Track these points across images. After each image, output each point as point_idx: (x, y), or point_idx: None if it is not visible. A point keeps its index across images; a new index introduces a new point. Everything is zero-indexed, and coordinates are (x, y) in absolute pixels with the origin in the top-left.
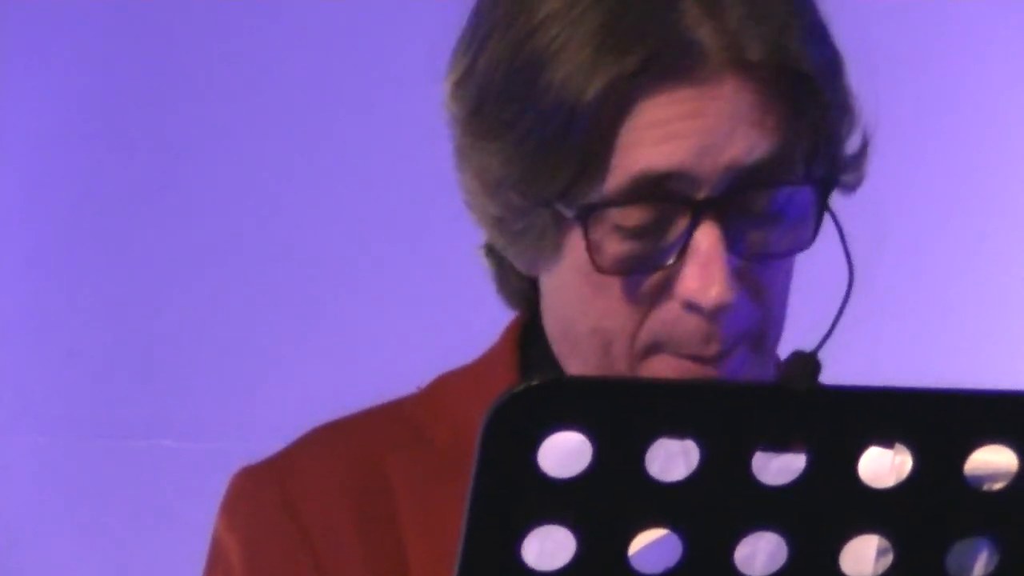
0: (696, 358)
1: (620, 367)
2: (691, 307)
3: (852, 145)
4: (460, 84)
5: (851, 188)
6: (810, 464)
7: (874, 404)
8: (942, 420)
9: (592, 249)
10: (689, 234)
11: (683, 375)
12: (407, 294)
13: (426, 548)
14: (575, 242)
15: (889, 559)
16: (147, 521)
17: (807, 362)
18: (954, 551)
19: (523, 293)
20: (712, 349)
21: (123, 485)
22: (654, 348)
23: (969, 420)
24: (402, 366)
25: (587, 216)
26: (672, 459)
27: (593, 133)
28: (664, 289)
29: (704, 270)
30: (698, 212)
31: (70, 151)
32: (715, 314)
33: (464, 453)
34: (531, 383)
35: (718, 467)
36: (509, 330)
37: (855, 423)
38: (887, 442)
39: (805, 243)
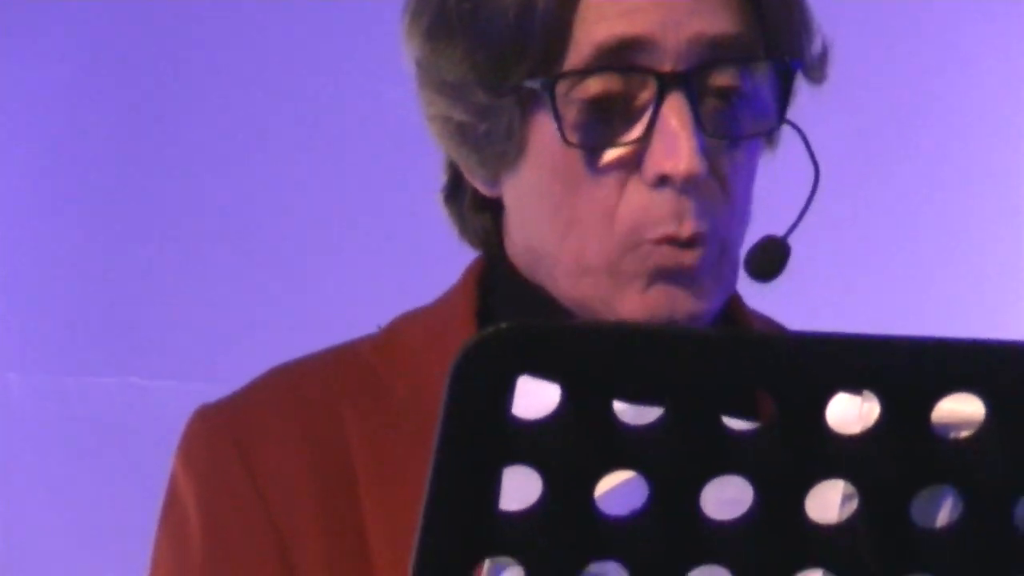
0: (667, 240)
1: (595, 263)
2: (661, 181)
3: (814, 47)
4: (418, 5)
5: (815, 81)
6: (777, 410)
7: (842, 351)
8: (910, 368)
9: (560, 123)
10: (656, 107)
11: (653, 263)
12: (380, 233)
13: (380, 496)
14: (542, 132)
15: (854, 505)
16: (114, 458)
17: (776, 246)
18: (919, 499)
19: (483, 232)
20: (687, 229)
21: (91, 422)
22: (632, 240)
23: (937, 368)
24: (373, 306)
25: (553, 86)
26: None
27: (554, 11)
28: (633, 171)
29: (672, 141)
30: (664, 85)
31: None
32: (685, 187)
33: (421, 403)
34: (500, 327)
35: (685, 412)
36: (468, 273)
37: (823, 369)
38: (855, 389)
39: (769, 126)
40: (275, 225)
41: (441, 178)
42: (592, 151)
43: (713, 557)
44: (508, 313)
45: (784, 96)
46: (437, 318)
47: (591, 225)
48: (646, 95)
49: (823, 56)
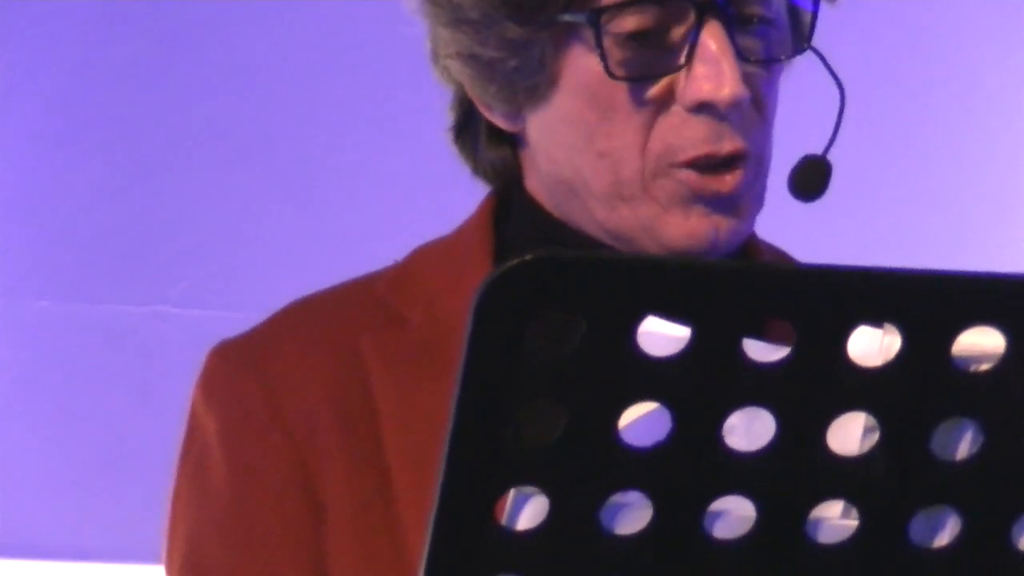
0: (708, 162)
1: (629, 191)
2: (702, 108)
3: None
4: None
5: (831, 1)
6: (799, 342)
7: (864, 284)
8: (931, 301)
9: (604, 55)
10: (696, 35)
11: (692, 188)
12: (401, 165)
13: (403, 430)
14: (577, 64)
15: (875, 438)
16: (145, 386)
17: (819, 165)
18: (939, 431)
19: (500, 166)
20: (727, 147)
21: (123, 349)
22: (665, 163)
23: (958, 302)
24: (392, 238)
25: (598, 19)
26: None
27: None
28: (668, 98)
29: (715, 67)
30: (702, 14)
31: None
32: (728, 112)
33: (438, 334)
34: (523, 258)
35: (708, 345)
36: (483, 207)
37: (845, 303)
38: (876, 322)
39: (797, 49)
40: (301, 159)
41: (449, 117)
42: (633, 81)
43: (735, 488)
44: (526, 246)
45: (811, 20)
46: (452, 251)
47: (625, 151)
48: (682, 27)
49: None
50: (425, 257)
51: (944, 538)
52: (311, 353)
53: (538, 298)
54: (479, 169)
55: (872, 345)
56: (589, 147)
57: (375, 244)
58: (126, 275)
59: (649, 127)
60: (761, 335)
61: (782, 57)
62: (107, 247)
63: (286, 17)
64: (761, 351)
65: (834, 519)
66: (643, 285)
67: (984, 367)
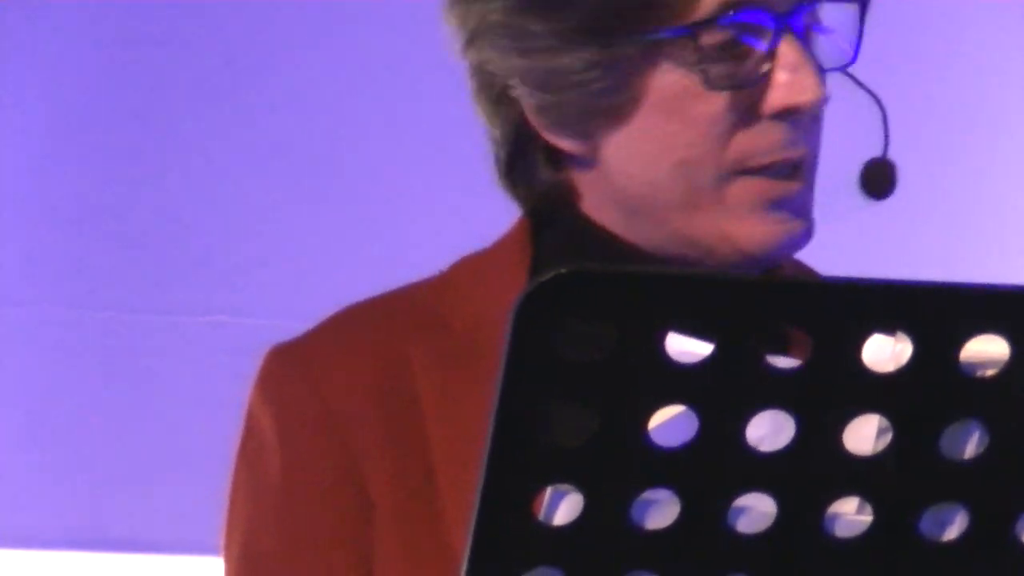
0: (781, 168)
1: (704, 199)
2: (785, 114)
3: None
4: None
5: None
6: (816, 350)
7: (877, 295)
8: (940, 311)
9: (703, 68)
10: (775, 46)
11: (766, 192)
12: (441, 179)
13: (446, 431)
14: (664, 79)
15: (888, 438)
16: (202, 389)
17: (886, 166)
18: (948, 432)
19: (554, 188)
20: (799, 151)
21: (184, 355)
22: (739, 169)
23: (965, 312)
24: (434, 250)
25: (696, 35)
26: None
27: None
28: (748, 107)
29: (797, 75)
30: (780, 27)
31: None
32: (803, 117)
33: (481, 339)
34: (558, 271)
35: (732, 352)
36: (520, 224)
37: (859, 313)
38: (889, 330)
39: (849, 58)
40: (351, 177)
41: (498, 153)
42: (728, 90)
43: (757, 485)
44: (568, 260)
45: (859, 30)
46: (494, 261)
47: (703, 160)
48: (762, 39)
49: None
50: (466, 268)
51: (952, 533)
52: (360, 356)
53: (572, 307)
54: (529, 198)
55: (885, 352)
56: (667, 157)
57: (413, 256)
58: (187, 287)
59: (728, 135)
60: (785, 351)
61: (840, 64)
62: (173, 262)
63: (321, 17)
64: (782, 358)
65: (850, 515)
66: (670, 296)
67: (990, 372)
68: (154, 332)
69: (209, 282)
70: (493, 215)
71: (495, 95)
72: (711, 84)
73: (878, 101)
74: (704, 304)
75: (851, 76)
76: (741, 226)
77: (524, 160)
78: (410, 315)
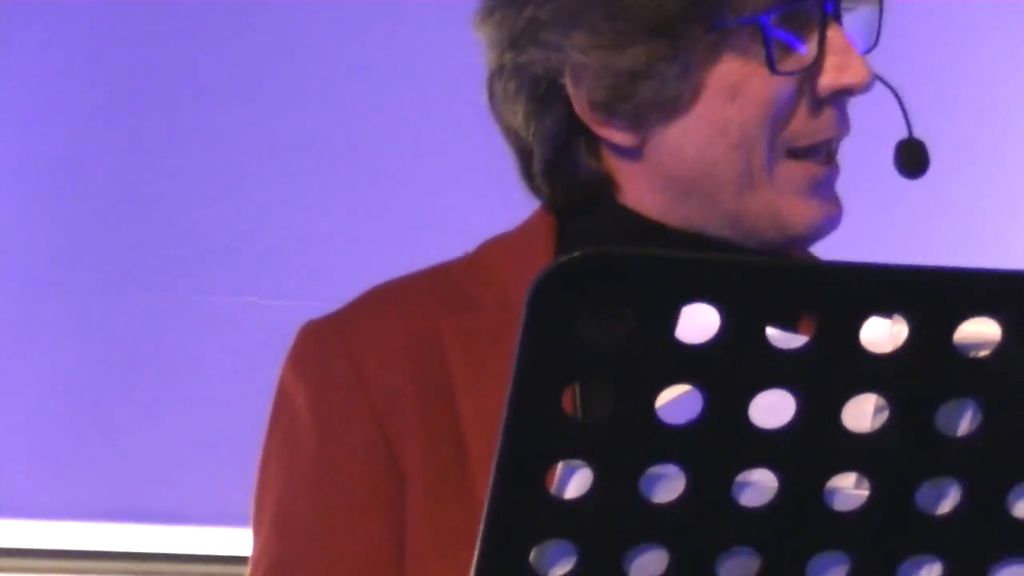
0: (820, 152)
1: (757, 179)
2: (838, 95)
3: None
4: None
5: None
6: (818, 331)
7: (876, 279)
8: (935, 295)
9: (770, 53)
10: (822, 33)
11: (812, 175)
12: (469, 163)
13: (476, 404)
14: (727, 67)
15: (885, 416)
16: (232, 368)
17: (919, 145)
18: (943, 410)
19: (596, 179)
20: (844, 131)
21: (218, 337)
22: (785, 149)
23: (959, 295)
24: (462, 231)
25: (764, 25)
26: (701, 327)
27: None
28: (799, 89)
29: (846, 58)
30: (825, 16)
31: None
32: (862, 90)
33: (509, 317)
34: (574, 255)
35: (736, 332)
36: (543, 208)
37: (858, 296)
38: (887, 313)
39: (872, 44)
40: (378, 157)
41: (530, 152)
42: (791, 75)
43: (760, 461)
44: (585, 238)
45: (880, 20)
46: (520, 242)
47: (758, 140)
48: (808, 29)
49: None
50: (494, 249)
51: (947, 506)
52: (393, 332)
53: (588, 289)
54: (569, 190)
55: (883, 333)
56: (724, 139)
57: (442, 239)
58: (222, 269)
59: (783, 117)
60: (795, 330)
61: (864, 50)
62: (209, 248)
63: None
64: (784, 339)
65: (848, 489)
66: (683, 279)
67: (983, 353)
68: (190, 312)
69: (241, 266)
70: (515, 203)
71: (540, 94)
72: (776, 68)
73: (892, 89)
74: (713, 287)
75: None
76: (788, 208)
77: (568, 155)
78: (440, 293)
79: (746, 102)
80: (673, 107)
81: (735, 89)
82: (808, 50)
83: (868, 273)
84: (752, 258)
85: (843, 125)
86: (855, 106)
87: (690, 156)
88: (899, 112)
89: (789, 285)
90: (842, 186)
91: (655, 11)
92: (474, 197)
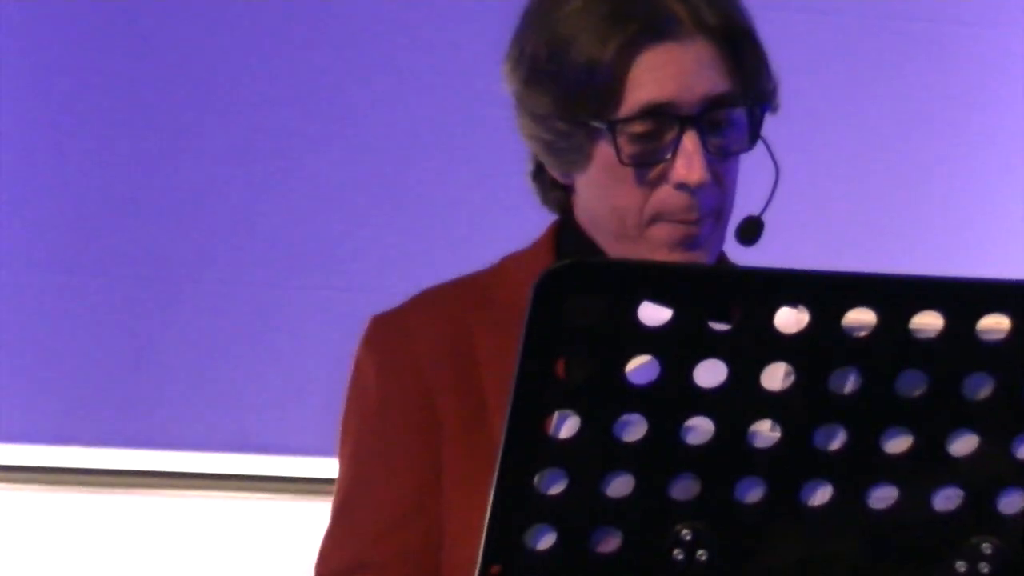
0: (683, 222)
1: (632, 233)
2: (680, 187)
3: (774, 87)
4: (516, 61)
5: (773, 111)
6: (743, 317)
7: (785, 280)
8: (829, 291)
9: (618, 149)
10: (678, 139)
11: (673, 236)
12: (496, 180)
13: (496, 375)
14: (602, 150)
15: (792, 379)
16: (306, 346)
17: (754, 223)
18: (834, 375)
19: (560, 201)
20: (693, 215)
21: (293, 322)
22: (655, 219)
23: (846, 292)
24: (489, 245)
25: (614, 127)
26: (657, 314)
27: (611, 78)
28: (660, 178)
29: (690, 161)
30: (683, 125)
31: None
32: (697, 190)
33: (520, 312)
34: (564, 263)
35: (686, 320)
36: (550, 227)
37: (772, 291)
38: (793, 304)
39: (748, 146)
40: (417, 168)
41: (528, 166)
42: (636, 166)
43: (700, 411)
44: (577, 253)
45: (756, 124)
46: (530, 255)
47: (629, 209)
48: (671, 132)
49: (775, 90)
50: (511, 261)
51: (836, 445)
52: (437, 324)
53: (573, 288)
54: (546, 201)
55: (790, 319)
56: (605, 202)
57: (474, 252)
58: (298, 266)
59: (646, 196)
60: (726, 319)
61: (738, 151)
62: (287, 245)
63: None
64: (720, 324)
65: (765, 432)
66: (642, 279)
67: (863, 334)
68: (269, 301)
69: (315, 261)
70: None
71: (525, 135)
72: (623, 161)
73: (776, 170)
74: (665, 284)
75: (767, 145)
76: (659, 256)
77: (541, 176)
78: (472, 295)
79: (616, 180)
80: (579, 168)
81: (610, 169)
82: (664, 149)
83: (780, 275)
84: (695, 265)
85: (697, 208)
86: (847, 112)
87: (591, 206)
88: (885, 120)
89: (722, 284)
90: (829, 191)
91: (557, 104)
92: (512, 207)
